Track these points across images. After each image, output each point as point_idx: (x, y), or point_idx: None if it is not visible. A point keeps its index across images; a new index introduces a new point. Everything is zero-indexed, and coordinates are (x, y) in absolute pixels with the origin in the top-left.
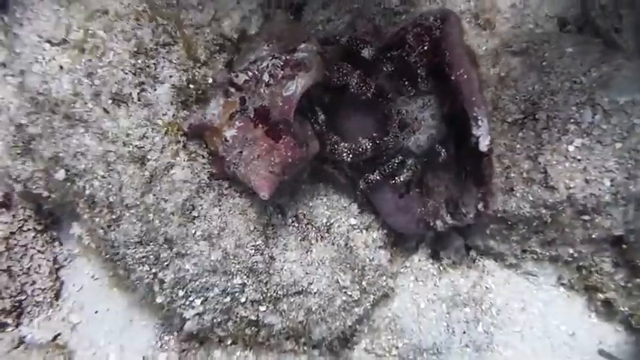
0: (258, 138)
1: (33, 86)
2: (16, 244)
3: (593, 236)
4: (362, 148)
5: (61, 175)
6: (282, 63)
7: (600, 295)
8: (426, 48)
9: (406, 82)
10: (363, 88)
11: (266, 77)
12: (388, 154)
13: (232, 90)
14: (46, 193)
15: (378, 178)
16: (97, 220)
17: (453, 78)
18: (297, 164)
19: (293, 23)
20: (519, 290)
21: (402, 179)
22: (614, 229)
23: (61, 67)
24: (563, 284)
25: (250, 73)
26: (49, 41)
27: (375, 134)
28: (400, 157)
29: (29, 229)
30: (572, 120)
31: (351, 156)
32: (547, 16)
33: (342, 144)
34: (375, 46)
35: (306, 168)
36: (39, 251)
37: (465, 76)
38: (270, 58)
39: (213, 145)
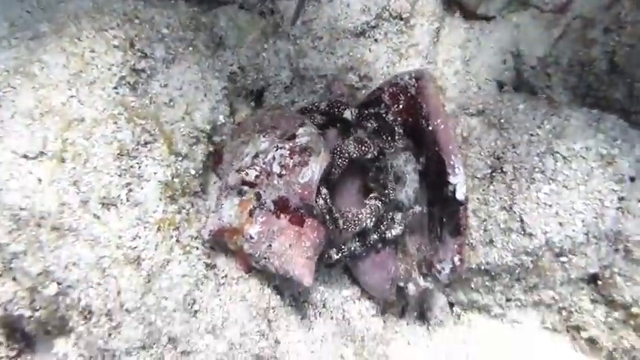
0: (283, 228)
1: (13, 203)
2: None
3: (572, 276)
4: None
5: (52, 289)
6: (288, 152)
7: (583, 334)
8: (401, 106)
9: (388, 138)
10: (365, 149)
11: (277, 169)
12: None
13: (246, 188)
14: (29, 313)
15: (376, 237)
16: (95, 330)
17: (430, 128)
18: (324, 242)
19: (279, 108)
20: (506, 338)
21: (393, 235)
22: (589, 267)
23: (40, 180)
24: (546, 328)
25: (259, 168)
26: (25, 156)
27: (375, 194)
28: (391, 213)
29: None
30: (536, 169)
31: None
32: (486, 80)
33: (356, 213)
34: (353, 106)
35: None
36: None
37: (442, 126)
38: (275, 149)
39: (233, 244)
